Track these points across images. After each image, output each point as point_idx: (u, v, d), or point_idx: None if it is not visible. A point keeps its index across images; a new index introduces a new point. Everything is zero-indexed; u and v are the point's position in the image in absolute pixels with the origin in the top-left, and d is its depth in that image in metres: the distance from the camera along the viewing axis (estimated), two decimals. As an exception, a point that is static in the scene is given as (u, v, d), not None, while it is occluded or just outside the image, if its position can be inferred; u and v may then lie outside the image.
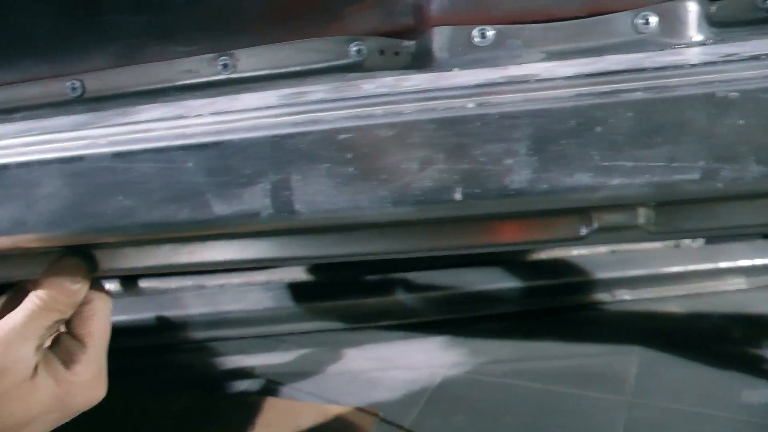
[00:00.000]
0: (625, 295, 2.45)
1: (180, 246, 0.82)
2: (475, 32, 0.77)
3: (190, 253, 0.82)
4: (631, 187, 0.63)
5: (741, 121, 0.60)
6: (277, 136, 0.66)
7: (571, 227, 0.74)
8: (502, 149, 0.63)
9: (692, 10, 0.76)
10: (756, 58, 0.62)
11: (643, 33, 0.76)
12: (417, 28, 0.81)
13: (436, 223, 0.75)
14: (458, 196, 0.65)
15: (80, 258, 0.85)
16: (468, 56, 0.78)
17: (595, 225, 0.73)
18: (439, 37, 0.79)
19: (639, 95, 0.61)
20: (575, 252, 2.52)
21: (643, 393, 1.95)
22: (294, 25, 0.85)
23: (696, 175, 0.62)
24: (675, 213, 0.73)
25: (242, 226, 0.70)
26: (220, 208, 0.69)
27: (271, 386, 2.10)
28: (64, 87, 0.95)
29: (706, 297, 2.44)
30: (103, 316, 0.90)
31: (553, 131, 0.62)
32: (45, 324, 0.84)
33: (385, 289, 2.41)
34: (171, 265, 0.83)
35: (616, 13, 0.76)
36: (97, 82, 0.94)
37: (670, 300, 2.44)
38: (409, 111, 0.64)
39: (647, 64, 0.66)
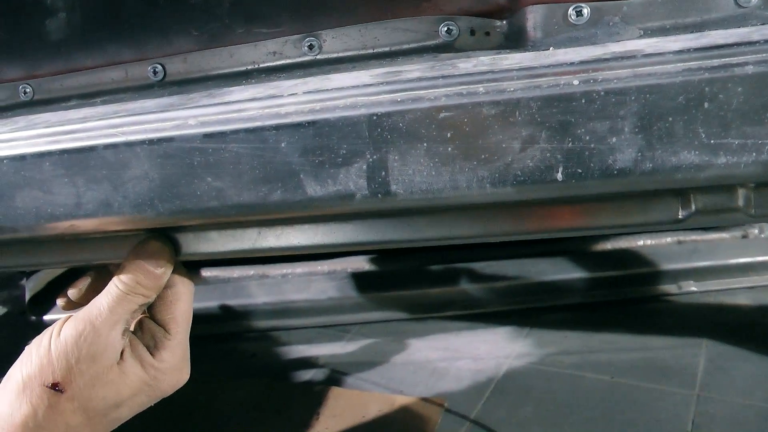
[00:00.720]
0: (692, 286, 2.41)
1: (266, 229, 0.81)
2: (571, 10, 0.76)
3: (277, 236, 0.81)
4: (738, 165, 0.61)
5: None
6: (375, 114, 0.65)
7: (669, 210, 0.72)
8: (607, 127, 0.62)
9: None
10: None
11: (745, 7, 0.73)
12: (510, 6, 0.80)
13: (530, 206, 0.73)
14: (560, 176, 0.63)
15: (163, 241, 0.85)
16: (564, 35, 0.76)
17: (693, 207, 0.71)
18: (534, 16, 0.77)
19: (750, 69, 0.59)
20: (641, 242, 2.48)
21: (713, 387, 1.91)
22: (381, 5, 0.83)
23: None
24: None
25: (337, 207, 0.70)
26: (314, 189, 0.68)
27: (336, 376, 2.10)
28: (145, 71, 0.95)
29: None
30: (186, 301, 0.90)
31: (661, 108, 0.61)
32: (130, 308, 0.84)
33: (449, 279, 2.39)
34: (257, 250, 0.82)
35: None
36: (179, 65, 0.94)
37: (738, 292, 2.40)
38: (513, 89, 0.63)
39: (756, 37, 0.63)
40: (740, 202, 0.71)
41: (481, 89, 0.63)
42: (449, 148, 0.64)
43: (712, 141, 0.60)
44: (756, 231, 2.50)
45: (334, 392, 1.98)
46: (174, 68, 0.94)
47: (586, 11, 0.75)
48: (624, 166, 0.62)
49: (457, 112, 0.63)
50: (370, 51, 0.85)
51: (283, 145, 0.68)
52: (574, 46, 0.75)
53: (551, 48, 0.76)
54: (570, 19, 0.76)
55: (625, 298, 2.40)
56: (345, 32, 0.85)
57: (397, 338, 2.29)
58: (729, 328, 2.20)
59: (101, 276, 0.92)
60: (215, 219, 0.75)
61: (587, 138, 0.62)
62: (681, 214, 0.71)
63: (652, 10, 0.75)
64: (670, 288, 2.42)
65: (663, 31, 0.75)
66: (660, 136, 0.61)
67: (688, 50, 0.62)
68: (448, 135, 0.64)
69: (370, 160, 0.66)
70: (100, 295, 0.85)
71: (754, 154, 0.60)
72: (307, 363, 2.21)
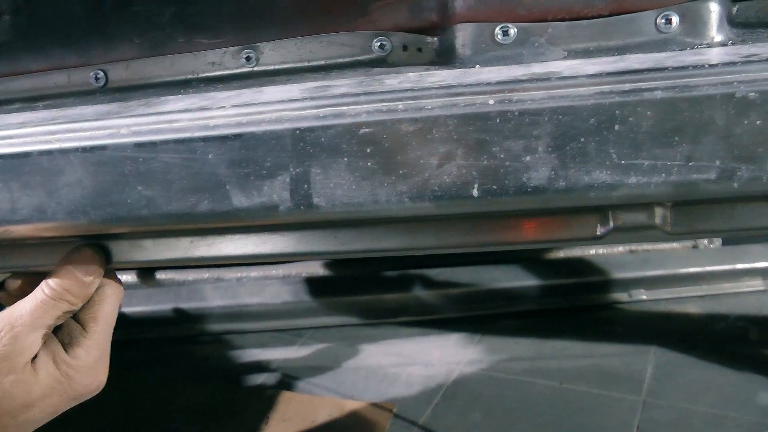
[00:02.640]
0: (642, 294, 2.45)
1: (198, 239, 0.82)
2: (498, 30, 0.78)
3: (209, 246, 0.82)
4: (648, 186, 0.63)
5: (759, 122, 0.60)
6: (299, 129, 0.67)
7: (587, 226, 0.74)
8: (521, 146, 0.64)
9: (714, 10, 0.75)
10: (777, 59, 0.62)
11: (665, 33, 0.76)
12: (441, 24, 0.81)
13: (452, 220, 0.75)
14: (475, 192, 0.65)
15: (95, 250, 0.86)
16: (491, 53, 0.78)
17: (612, 225, 0.74)
18: (463, 34, 0.79)
19: (659, 94, 0.61)
20: (593, 251, 2.51)
21: (659, 393, 1.95)
22: (318, 20, 0.85)
23: (713, 175, 0.62)
24: (692, 213, 0.73)
25: (262, 218, 0.71)
26: (241, 200, 0.70)
27: (288, 380, 2.11)
28: (87, 77, 0.96)
29: (723, 298, 2.43)
30: (110, 303, 0.89)
31: (573, 129, 0.63)
32: (54, 314, 0.84)
33: (403, 285, 2.41)
34: (189, 259, 0.83)
35: (639, 13, 0.76)
36: (121, 72, 0.95)
37: (687, 301, 2.44)
38: (431, 106, 0.65)
39: (668, 63, 0.66)
40: (657, 220, 0.73)
41: (400, 106, 0.65)
42: (369, 163, 0.66)
43: (623, 162, 0.63)
44: (706, 242, 2.55)
45: (286, 396, 1.99)
46: (116, 75, 0.95)
47: (512, 31, 0.77)
48: (538, 184, 0.64)
49: (377, 128, 0.65)
50: (306, 64, 0.86)
51: (210, 156, 0.69)
52: (500, 65, 0.77)
53: (477, 66, 0.78)
54: (497, 38, 0.78)
55: (577, 306, 2.43)
56: (282, 45, 0.87)
57: (350, 343, 2.31)
58: (678, 336, 2.23)
59: (32, 280, 0.92)
60: (146, 227, 0.76)
61: (502, 156, 0.64)
62: (599, 231, 0.74)
63: (577, 32, 0.77)
64: (621, 296, 2.46)
65: (587, 53, 0.77)
66: (573, 155, 0.63)
67: (602, 74, 0.64)
68: (368, 150, 0.66)
69: (294, 173, 0.67)
70: (26, 298, 0.85)
71: (663, 175, 0.62)
72: (260, 367, 2.22)
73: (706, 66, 0.63)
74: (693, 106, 0.61)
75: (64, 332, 0.87)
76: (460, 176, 0.65)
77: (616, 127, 0.62)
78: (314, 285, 2.45)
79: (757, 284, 2.48)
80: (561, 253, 2.52)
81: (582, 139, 0.63)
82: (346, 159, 0.66)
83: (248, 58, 0.88)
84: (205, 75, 0.91)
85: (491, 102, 0.64)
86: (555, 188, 0.64)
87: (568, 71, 0.67)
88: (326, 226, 0.77)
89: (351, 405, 1.93)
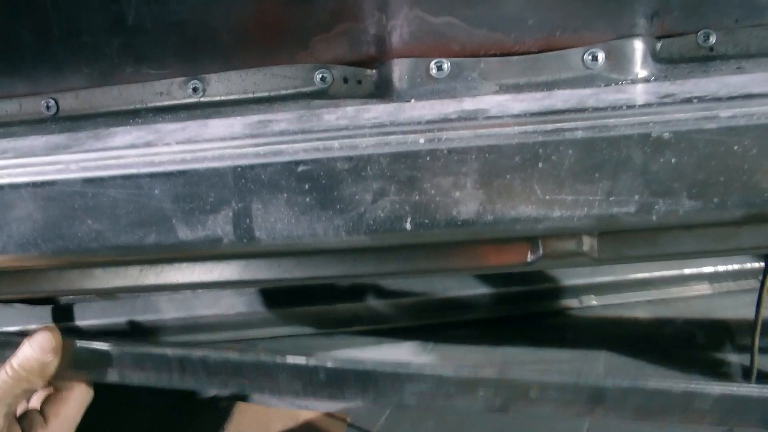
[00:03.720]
0: (592, 300, 2.48)
1: (148, 268, 0.85)
2: (433, 64, 0.81)
3: (157, 274, 0.85)
4: (571, 219, 0.67)
5: (674, 160, 0.64)
6: (239, 166, 0.70)
7: (518, 254, 0.78)
8: (451, 182, 0.67)
9: (638, 47, 0.79)
10: (689, 101, 0.66)
11: (592, 69, 0.79)
12: (379, 58, 0.84)
13: (389, 250, 0.78)
14: (408, 226, 0.68)
15: (53, 332, 0.90)
16: (426, 87, 0.81)
17: (542, 252, 0.77)
18: (399, 68, 0.82)
19: (580, 134, 0.65)
20: (544, 260, 2.54)
21: (608, 399, 1.98)
22: (262, 52, 0.87)
23: (632, 209, 0.66)
24: (618, 241, 0.77)
25: (207, 250, 0.74)
26: (186, 233, 0.73)
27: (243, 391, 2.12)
28: (38, 105, 0.97)
29: (671, 303, 2.47)
30: (75, 405, 0.95)
31: (499, 166, 0.66)
32: (14, 393, 0.88)
33: (356, 295, 2.42)
34: (139, 287, 0.86)
35: (567, 50, 0.80)
36: (71, 101, 0.96)
37: (636, 306, 2.46)
38: (365, 145, 0.68)
39: (590, 102, 0.69)
40: (585, 248, 0.77)
41: (336, 145, 0.68)
42: (307, 199, 0.69)
43: (547, 197, 0.66)
44: (654, 248, 2.59)
45: (240, 408, 2.00)
46: (66, 104, 0.97)
47: (446, 66, 0.81)
48: (467, 218, 0.68)
49: (314, 166, 0.68)
50: (251, 95, 0.88)
51: (156, 191, 0.72)
52: (434, 99, 0.80)
53: (413, 99, 0.81)
54: (431, 72, 0.81)
55: (528, 313, 2.46)
56: (227, 77, 0.89)
57: (304, 353, 2.31)
58: (627, 341, 2.27)
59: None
60: (96, 259, 0.79)
61: (433, 192, 0.67)
62: (530, 258, 0.77)
63: (508, 67, 0.80)
64: (571, 303, 2.48)
65: (517, 88, 0.80)
66: (500, 191, 0.67)
67: (527, 114, 0.68)
68: (306, 187, 0.69)
69: (236, 208, 0.70)
70: None
71: (585, 209, 0.66)
72: (215, 378, 2.22)
73: (624, 107, 0.68)
74: (611, 146, 0.65)
75: (26, 421, 0.92)
76: (393, 211, 0.68)
77: (540, 164, 0.66)
78: (268, 296, 2.45)
79: (704, 288, 2.52)
80: (512, 262, 2.55)
81: (508, 176, 0.66)
82: (285, 195, 0.69)
83: (195, 89, 0.90)
84: (153, 105, 0.92)
85: (422, 141, 0.67)
86: (483, 221, 0.68)
87: (496, 110, 0.71)
88: (269, 255, 0.80)
89: (305, 415, 1.95)
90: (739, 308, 2.37)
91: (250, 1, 0.83)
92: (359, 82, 0.86)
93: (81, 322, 2.48)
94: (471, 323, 2.41)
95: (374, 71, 0.85)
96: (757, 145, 0.64)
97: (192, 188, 0.71)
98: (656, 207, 0.66)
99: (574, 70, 0.80)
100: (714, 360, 2.13)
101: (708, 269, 2.52)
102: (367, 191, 0.68)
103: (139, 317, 2.41)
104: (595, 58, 0.79)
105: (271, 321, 2.40)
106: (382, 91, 0.85)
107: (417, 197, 0.67)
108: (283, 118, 0.78)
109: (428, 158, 0.67)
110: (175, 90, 0.92)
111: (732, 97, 0.67)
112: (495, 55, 0.81)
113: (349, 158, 0.68)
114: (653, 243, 0.77)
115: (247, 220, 0.70)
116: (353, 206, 0.69)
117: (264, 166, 0.69)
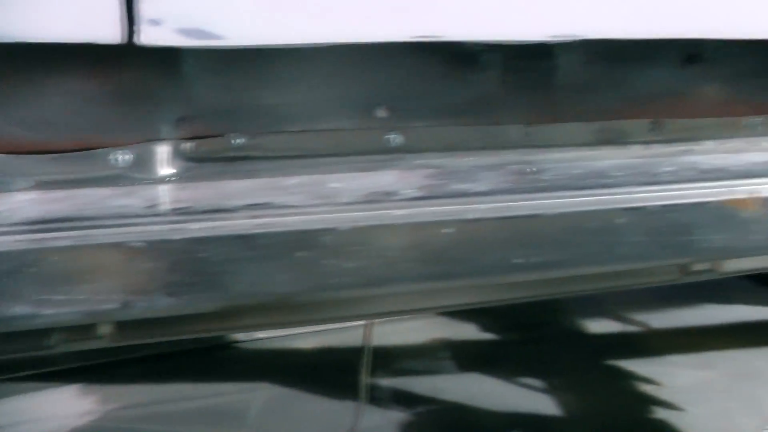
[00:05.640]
0: (258, 333, 2.56)
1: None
2: None
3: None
4: (61, 315, 0.75)
5: (149, 265, 0.75)
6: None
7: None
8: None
9: (162, 150, 0.89)
10: (157, 214, 0.77)
11: (119, 168, 0.88)
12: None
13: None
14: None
15: None
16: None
17: (64, 338, 0.85)
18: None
19: (64, 242, 0.74)
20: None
21: (264, 427, 2.09)
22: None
23: (114, 306, 0.75)
24: (136, 327, 0.87)
25: None
26: None
27: None
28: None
29: (332, 333, 2.60)
30: None
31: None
32: None
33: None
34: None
35: (97, 150, 0.88)
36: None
37: (301, 336, 2.58)
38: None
39: (114, 205, 0.79)
40: (103, 332, 0.86)
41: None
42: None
43: (41, 297, 0.74)
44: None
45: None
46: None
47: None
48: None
49: None
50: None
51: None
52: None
53: None
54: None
55: (198, 348, 2.52)
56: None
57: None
58: (290, 371, 2.39)
59: None
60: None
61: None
62: (50, 343, 0.85)
63: (44, 164, 0.86)
64: (239, 335, 2.57)
65: (55, 184, 0.86)
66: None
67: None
68: None
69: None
70: None
71: (75, 306, 0.75)
72: None
73: (123, 216, 0.77)
74: (94, 255, 0.74)
75: None
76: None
77: (32, 269, 0.73)
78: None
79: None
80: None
81: (3, 280, 0.74)
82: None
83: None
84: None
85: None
86: None
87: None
88: None
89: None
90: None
91: None
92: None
93: None
94: (140, 360, 2.43)
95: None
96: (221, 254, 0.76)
97: None
98: (138, 304, 0.75)
99: (103, 169, 0.88)
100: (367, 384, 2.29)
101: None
102: None
103: None
104: (120, 159, 0.87)
105: None
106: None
107: None
108: None
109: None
110: None
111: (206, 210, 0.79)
112: (33, 153, 0.87)
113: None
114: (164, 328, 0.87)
115: None
116: None
117: None
